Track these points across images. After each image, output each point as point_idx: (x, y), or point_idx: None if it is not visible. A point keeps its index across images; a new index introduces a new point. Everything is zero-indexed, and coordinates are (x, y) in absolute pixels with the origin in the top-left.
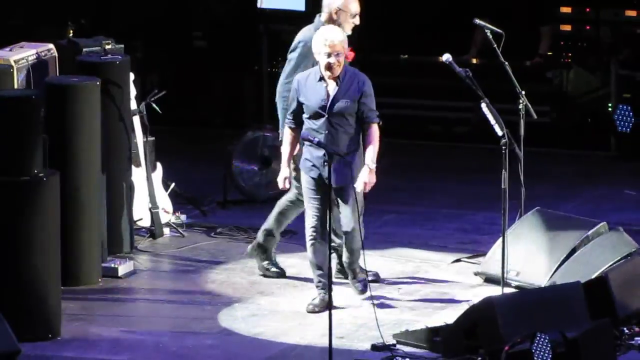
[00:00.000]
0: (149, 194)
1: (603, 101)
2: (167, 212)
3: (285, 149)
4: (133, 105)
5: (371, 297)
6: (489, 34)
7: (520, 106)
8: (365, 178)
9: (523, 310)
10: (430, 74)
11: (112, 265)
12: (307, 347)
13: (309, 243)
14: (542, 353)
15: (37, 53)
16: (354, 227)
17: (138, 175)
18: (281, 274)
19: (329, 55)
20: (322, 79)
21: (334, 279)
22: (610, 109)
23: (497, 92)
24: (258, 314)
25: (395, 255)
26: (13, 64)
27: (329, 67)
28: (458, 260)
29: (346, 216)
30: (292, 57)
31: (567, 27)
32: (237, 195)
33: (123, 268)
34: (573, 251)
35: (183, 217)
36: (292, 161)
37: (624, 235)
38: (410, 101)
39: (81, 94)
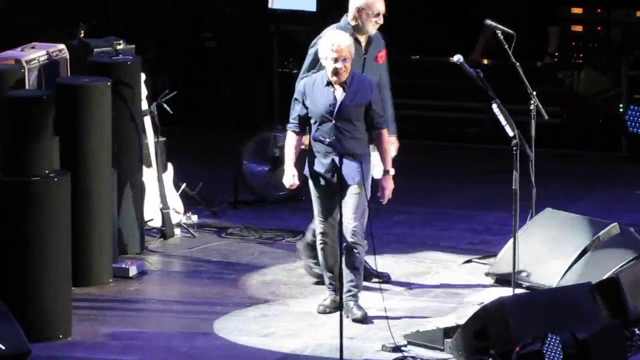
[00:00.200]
0: (160, 194)
1: (614, 102)
2: (178, 212)
3: (289, 153)
4: (144, 105)
5: (382, 297)
6: (499, 34)
7: (531, 107)
8: (390, 186)
9: (534, 311)
10: (442, 75)
11: (123, 265)
12: (318, 348)
13: (319, 247)
14: (552, 354)
15: (48, 53)
16: (357, 240)
17: (149, 175)
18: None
19: (336, 60)
20: (329, 83)
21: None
22: (621, 110)
23: (508, 92)
24: (269, 314)
25: (406, 256)
26: (24, 64)
27: (335, 72)
28: (469, 261)
29: (349, 222)
30: (310, 52)
31: (578, 28)
32: (247, 196)
33: (134, 268)
34: (584, 252)
35: (194, 218)
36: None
37: (635, 236)
38: (421, 102)
39: (92, 94)
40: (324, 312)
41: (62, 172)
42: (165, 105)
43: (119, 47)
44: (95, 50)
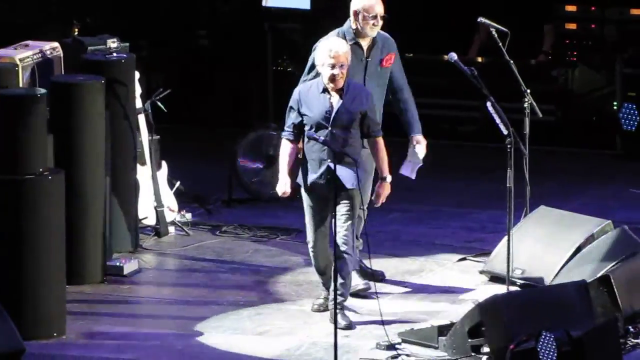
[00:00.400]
0: (154, 192)
1: (608, 100)
2: (172, 210)
3: (283, 161)
4: (138, 103)
5: (368, 284)
6: (494, 32)
7: (526, 105)
8: (385, 192)
9: (528, 308)
10: (436, 73)
11: (117, 263)
12: (313, 346)
13: (310, 253)
14: (547, 352)
15: (42, 52)
16: (347, 250)
17: (143, 173)
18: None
19: (333, 66)
20: (325, 90)
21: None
22: (615, 108)
23: (502, 90)
24: (263, 312)
25: (400, 254)
26: (18, 62)
27: (332, 78)
28: (463, 259)
29: (340, 230)
30: (312, 56)
31: (572, 26)
32: (242, 194)
33: (128, 267)
34: (578, 249)
35: (188, 216)
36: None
37: (629, 233)
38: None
39: (86, 92)
40: (318, 311)
41: (56, 171)
42: (159, 103)
43: (113, 45)
44: (89, 48)
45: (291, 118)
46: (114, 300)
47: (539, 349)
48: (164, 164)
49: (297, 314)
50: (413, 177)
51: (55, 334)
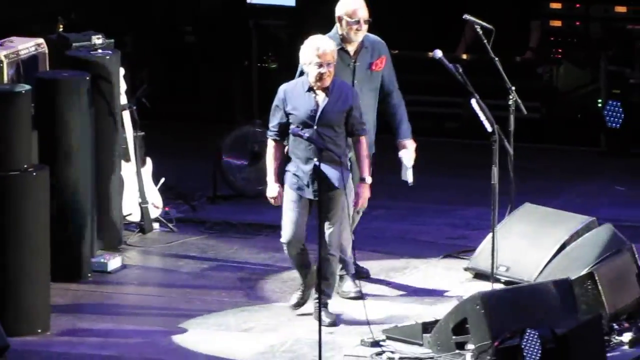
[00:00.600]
0: (139, 189)
1: (593, 97)
2: (156, 207)
3: (270, 163)
4: (123, 100)
5: (361, 292)
6: (479, 29)
7: (510, 102)
8: (365, 194)
9: (512, 305)
10: (421, 70)
11: (102, 260)
12: (297, 342)
13: (286, 253)
14: (531, 349)
15: (27, 48)
16: (331, 251)
17: (128, 170)
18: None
19: (320, 65)
20: (310, 89)
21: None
22: (600, 105)
23: (487, 87)
24: (248, 309)
25: (384, 251)
26: (3, 58)
27: (320, 77)
28: (448, 256)
29: (326, 230)
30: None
31: (557, 23)
32: (226, 191)
33: (112, 263)
34: (563, 247)
35: (173, 212)
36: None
37: (613, 230)
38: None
39: (71, 89)
40: (297, 306)
41: (41, 167)
42: (144, 100)
43: (97, 41)
44: (74, 44)
45: (277, 117)
46: (98, 297)
47: (523, 346)
48: (148, 160)
49: (282, 310)
50: (409, 181)
51: (39, 330)
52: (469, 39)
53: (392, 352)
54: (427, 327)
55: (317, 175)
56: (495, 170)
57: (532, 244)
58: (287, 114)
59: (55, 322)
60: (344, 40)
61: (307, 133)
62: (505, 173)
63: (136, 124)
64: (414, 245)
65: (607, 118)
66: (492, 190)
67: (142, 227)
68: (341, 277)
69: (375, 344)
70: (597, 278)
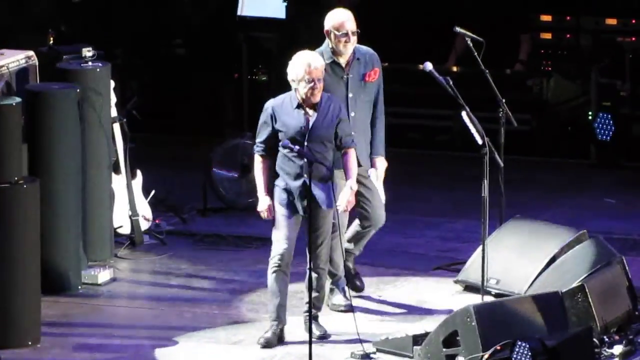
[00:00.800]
0: (129, 201)
1: (583, 109)
2: (147, 219)
3: (259, 178)
4: (113, 112)
5: (351, 305)
6: (469, 42)
7: (501, 114)
8: (348, 197)
9: (503, 318)
10: (411, 82)
11: (92, 272)
12: (287, 355)
13: (271, 270)
14: None
15: (17, 60)
16: (321, 265)
17: (118, 182)
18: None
19: (311, 81)
20: (299, 106)
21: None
22: (590, 117)
23: (477, 100)
24: (238, 321)
25: (375, 263)
26: None
27: (311, 93)
28: (438, 268)
29: (315, 245)
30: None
31: (547, 35)
32: (217, 203)
33: (103, 275)
34: (553, 259)
35: (163, 225)
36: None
37: (603, 243)
38: (391, 109)
39: (61, 101)
40: (265, 347)
41: (31, 179)
42: (134, 112)
43: (88, 54)
44: (64, 57)
45: (264, 133)
46: (89, 309)
47: (513, 359)
48: (138, 172)
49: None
50: (381, 197)
51: (29, 343)
52: (459, 52)
53: None
54: (417, 339)
55: (307, 192)
56: (485, 183)
57: (523, 256)
58: (276, 131)
59: (46, 335)
60: (335, 53)
61: (297, 146)
62: (495, 186)
63: (126, 137)
64: (405, 258)
65: (598, 130)
66: (482, 202)
67: (133, 239)
68: (332, 290)
69: (366, 356)
70: (587, 290)
